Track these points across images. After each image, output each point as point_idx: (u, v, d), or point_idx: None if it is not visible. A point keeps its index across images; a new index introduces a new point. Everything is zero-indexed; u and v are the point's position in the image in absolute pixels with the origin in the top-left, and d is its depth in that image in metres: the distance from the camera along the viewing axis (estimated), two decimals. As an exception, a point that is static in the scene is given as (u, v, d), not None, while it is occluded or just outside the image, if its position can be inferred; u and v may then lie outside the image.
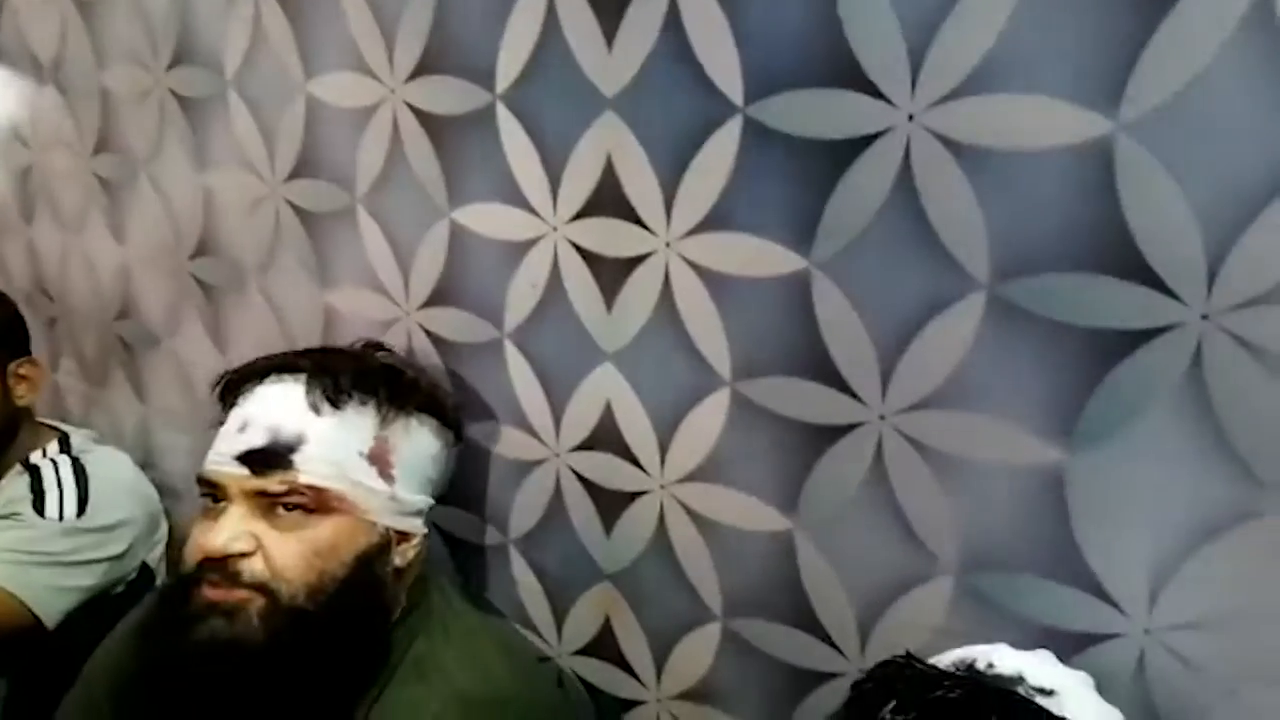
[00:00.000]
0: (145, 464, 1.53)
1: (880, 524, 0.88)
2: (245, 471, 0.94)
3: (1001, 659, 0.70)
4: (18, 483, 1.36)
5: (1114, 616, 0.77)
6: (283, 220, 1.29)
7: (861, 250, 0.85)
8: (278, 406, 0.98)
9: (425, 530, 1.04)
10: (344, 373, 0.99)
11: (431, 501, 1.05)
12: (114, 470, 1.43)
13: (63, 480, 1.35)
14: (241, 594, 0.91)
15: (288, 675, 0.90)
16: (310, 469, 0.95)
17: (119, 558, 1.34)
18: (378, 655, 0.97)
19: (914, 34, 0.79)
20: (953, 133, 0.78)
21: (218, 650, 0.90)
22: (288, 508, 0.94)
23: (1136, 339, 0.73)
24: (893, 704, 0.66)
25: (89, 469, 1.39)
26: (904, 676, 0.69)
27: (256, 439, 0.95)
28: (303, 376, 0.99)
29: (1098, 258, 0.74)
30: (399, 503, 0.99)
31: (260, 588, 0.92)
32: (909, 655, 0.71)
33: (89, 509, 1.33)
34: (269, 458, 0.94)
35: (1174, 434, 0.73)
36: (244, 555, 0.92)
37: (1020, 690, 0.68)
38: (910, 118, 0.80)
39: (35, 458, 1.39)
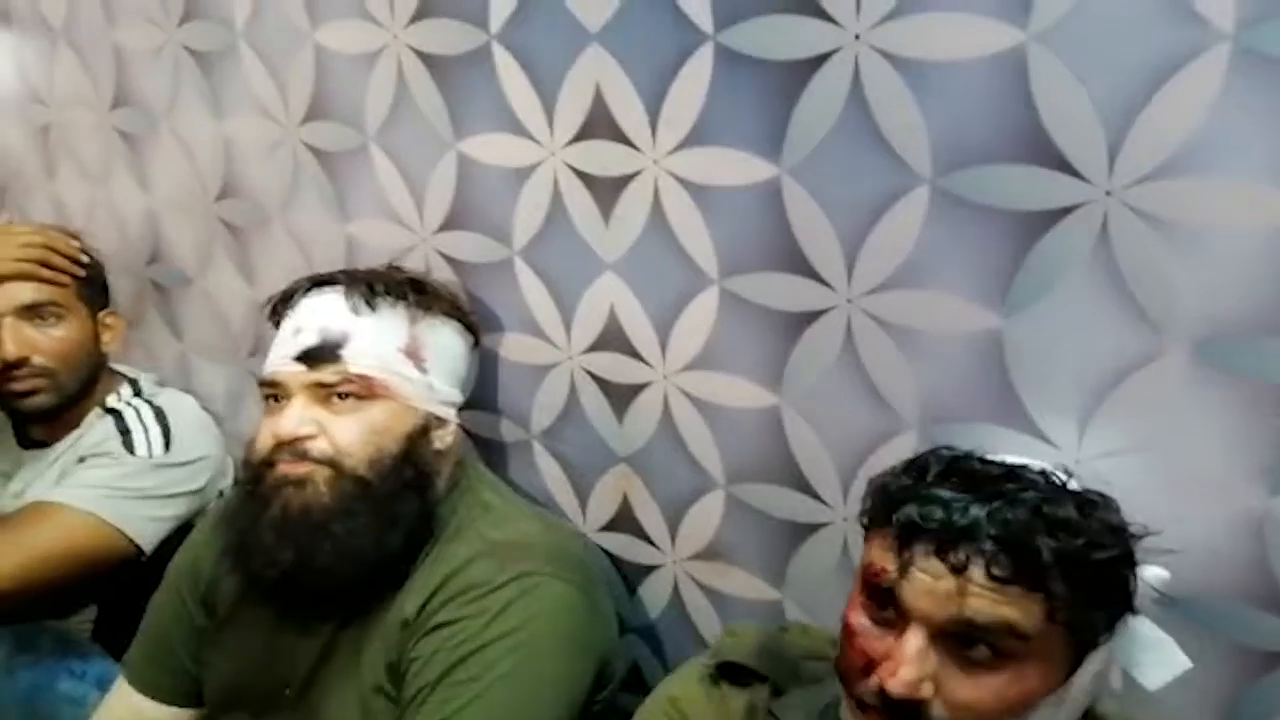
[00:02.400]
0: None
1: (853, 392, 1.01)
2: (303, 368, 1.08)
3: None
4: (101, 426, 1.46)
5: (1050, 452, 0.90)
6: (300, 160, 1.39)
7: (823, 156, 0.97)
8: (323, 311, 1.11)
9: (459, 421, 1.17)
10: (375, 281, 1.13)
11: (461, 396, 1.18)
12: (187, 410, 1.52)
13: (145, 421, 1.45)
14: (310, 466, 1.05)
15: (352, 534, 1.04)
16: (358, 360, 1.08)
17: (201, 490, 1.44)
18: (426, 525, 1.11)
19: (857, -37, 0.90)
20: (893, 48, 0.90)
21: (291, 514, 1.04)
22: (341, 396, 1.08)
23: (1053, 217, 0.86)
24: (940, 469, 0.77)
25: (165, 409, 1.48)
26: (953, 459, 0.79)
27: (310, 340, 1.09)
28: (340, 287, 1.13)
29: (1018, 149, 0.86)
30: (434, 391, 1.13)
31: (327, 461, 1.06)
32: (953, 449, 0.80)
33: (173, 446, 1.43)
34: (322, 353, 1.08)
35: (1089, 296, 0.86)
36: (310, 437, 1.06)
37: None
38: (857, 37, 0.92)
39: (112, 402, 1.48)
